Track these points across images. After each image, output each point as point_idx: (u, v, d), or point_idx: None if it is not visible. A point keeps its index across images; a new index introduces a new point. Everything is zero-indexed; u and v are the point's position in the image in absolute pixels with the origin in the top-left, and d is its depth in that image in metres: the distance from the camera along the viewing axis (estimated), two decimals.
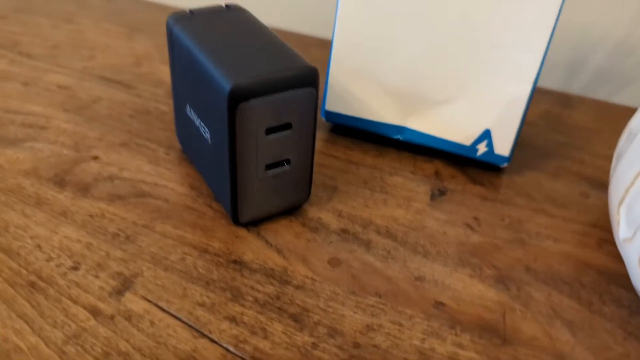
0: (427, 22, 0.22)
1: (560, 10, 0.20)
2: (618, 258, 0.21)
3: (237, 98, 0.17)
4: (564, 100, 0.30)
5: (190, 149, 0.22)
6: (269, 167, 0.19)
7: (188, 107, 0.21)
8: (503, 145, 0.23)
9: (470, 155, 0.24)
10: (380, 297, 0.18)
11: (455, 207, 0.23)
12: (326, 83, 0.25)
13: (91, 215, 0.21)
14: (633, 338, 0.18)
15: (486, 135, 0.23)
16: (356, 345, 0.17)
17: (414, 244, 0.21)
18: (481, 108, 0.23)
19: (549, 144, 0.27)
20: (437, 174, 0.24)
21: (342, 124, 0.26)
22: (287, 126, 0.19)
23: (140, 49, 0.32)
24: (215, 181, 0.21)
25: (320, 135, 0.26)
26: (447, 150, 0.24)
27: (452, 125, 0.24)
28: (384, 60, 0.23)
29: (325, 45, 0.33)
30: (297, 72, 0.18)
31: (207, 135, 0.20)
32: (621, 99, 0.33)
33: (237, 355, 0.16)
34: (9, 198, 0.21)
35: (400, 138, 0.25)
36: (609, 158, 0.26)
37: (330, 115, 0.25)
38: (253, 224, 0.21)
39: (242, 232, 0.20)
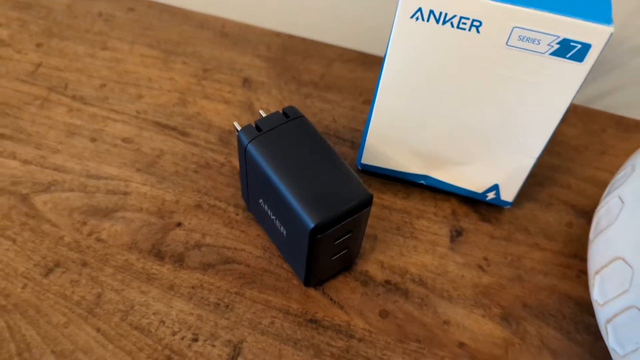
0: (451, 106, 0.26)
1: (575, 96, 0.25)
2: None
3: (317, 232, 0.22)
4: None
5: (258, 215, 0.28)
6: (335, 254, 0.25)
7: (262, 201, 0.26)
8: (508, 195, 0.29)
9: (480, 198, 0.30)
10: (419, 342, 0.26)
11: (469, 248, 0.29)
12: (363, 142, 0.29)
13: (193, 287, 0.27)
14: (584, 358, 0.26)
15: (495, 187, 0.29)
16: None
17: (440, 289, 0.27)
18: (492, 170, 0.28)
19: (543, 170, 0.32)
20: (454, 213, 0.30)
21: (374, 173, 0.31)
22: (349, 232, 0.24)
23: (180, 80, 0.35)
24: (286, 252, 0.26)
25: None
26: (463, 194, 0.30)
27: (467, 178, 0.29)
28: (414, 135, 0.28)
29: (351, 58, 0.36)
30: (361, 200, 0.23)
31: (283, 230, 0.25)
32: (603, 105, 0.37)
33: None
34: (125, 276, 0.27)
35: (424, 183, 0.30)
36: (591, 180, 0.32)
37: (364, 167, 0.30)
38: (318, 284, 0.27)
39: (311, 292, 0.27)
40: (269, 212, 0.26)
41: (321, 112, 0.34)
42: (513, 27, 0.22)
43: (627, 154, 0.34)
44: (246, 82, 0.35)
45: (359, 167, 0.31)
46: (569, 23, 0.21)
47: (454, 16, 0.22)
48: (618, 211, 0.25)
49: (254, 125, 0.25)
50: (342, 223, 0.23)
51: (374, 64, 0.37)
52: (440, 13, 0.22)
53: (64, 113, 0.33)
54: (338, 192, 0.23)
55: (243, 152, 0.25)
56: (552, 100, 0.24)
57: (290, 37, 0.38)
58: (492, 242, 0.29)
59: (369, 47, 0.38)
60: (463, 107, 0.26)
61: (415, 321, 0.26)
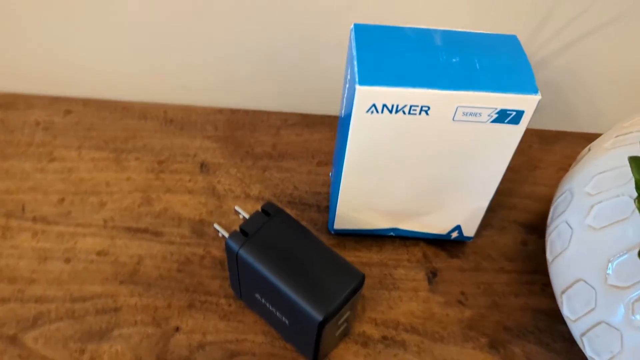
0: (410, 173, 0.28)
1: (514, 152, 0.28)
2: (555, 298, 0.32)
3: (324, 323, 0.24)
4: None
5: (253, 304, 0.29)
6: (339, 328, 0.27)
7: (259, 295, 0.27)
8: (469, 231, 0.32)
9: (446, 238, 0.33)
10: None
11: (446, 286, 0.32)
12: (333, 207, 0.31)
13: None
14: None
15: (457, 227, 0.32)
16: None
17: (431, 332, 0.30)
18: (452, 215, 0.31)
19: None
20: (425, 255, 0.33)
21: (346, 233, 0.33)
22: (348, 311, 0.26)
23: (138, 178, 0.35)
24: (289, 335, 0.28)
25: (327, 241, 0.33)
26: (428, 237, 0.33)
27: (432, 225, 0.32)
28: (380, 200, 0.30)
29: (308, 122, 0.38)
30: (356, 283, 0.25)
31: (285, 320, 0.27)
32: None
33: None
34: None
35: (393, 234, 0.33)
36: (531, 196, 0.36)
37: (337, 231, 0.32)
38: (324, 357, 0.29)
39: None
40: (267, 305, 0.27)
41: (282, 182, 0.36)
42: (457, 107, 0.25)
43: (555, 165, 0.38)
44: (203, 167, 0.36)
45: (332, 232, 0.33)
46: (504, 98, 0.24)
47: (405, 105, 0.25)
48: (569, 236, 0.28)
49: (238, 230, 0.27)
50: (344, 306, 0.25)
51: (317, 124, 0.39)
52: (393, 105, 0.25)
53: (29, 238, 0.32)
54: (334, 280, 0.25)
55: (234, 258, 0.26)
56: (497, 155, 0.27)
57: (233, 112, 0.40)
58: (464, 276, 0.32)
59: (309, 109, 0.40)
60: (420, 172, 0.28)
61: None
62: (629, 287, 0.25)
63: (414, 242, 0.34)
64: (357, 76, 0.24)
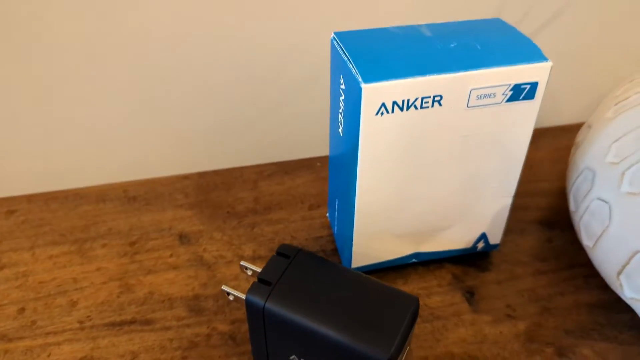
0: (427, 179, 0.26)
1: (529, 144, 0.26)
2: (604, 287, 0.29)
3: None
4: None
5: None
6: None
7: (294, 357, 0.23)
8: (495, 238, 0.29)
9: (472, 251, 0.30)
10: None
11: (488, 303, 0.28)
12: (348, 245, 0.28)
13: None
14: None
15: (482, 236, 0.29)
16: None
17: (492, 356, 0.26)
18: (475, 222, 0.28)
19: None
20: (454, 277, 0.30)
21: (366, 270, 0.29)
22: (407, 345, 0.22)
23: (110, 266, 0.30)
24: None
25: None
26: (453, 255, 0.30)
27: (455, 239, 0.29)
28: (398, 220, 0.27)
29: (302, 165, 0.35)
30: (413, 308, 0.21)
31: None
32: None
33: None
34: None
35: (415, 260, 0.29)
36: (539, 194, 0.34)
37: (356, 269, 0.29)
38: None
39: None
40: None
41: (276, 235, 0.32)
42: (471, 90, 0.23)
43: (548, 160, 0.37)
44: (183, 238, 0.32)
45: None
46: (517, 70, 0.23)
47: (417, 99, 0.22)
48: (607, 212, 0.26)
49: (257, 280, 0.22)
50: (407, 340, 0.21)
51: (295, 169, 0.36)
52: (403, 101, 0.22)
53: None
54: (386, 311, 0.21)
55: (260, 316, 0.22)
56: (515, 139, 0.25)
57: (201, 175, 0.36)
58: (503, 288, 0.29)
59: (282, 156, 0.37)
60: (437, 177, 0.26)
61: None
62: None
63: (438, 265, 0.30)
64: (359, 76, 0.22)
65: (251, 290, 0.22)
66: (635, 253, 0.25)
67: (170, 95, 0.35)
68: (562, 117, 0.42)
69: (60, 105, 0.34)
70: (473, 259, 0.30)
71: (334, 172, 0.28)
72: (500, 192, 0.27)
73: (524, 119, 0.24)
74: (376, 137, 0.23)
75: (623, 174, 0.26)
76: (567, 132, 0.39)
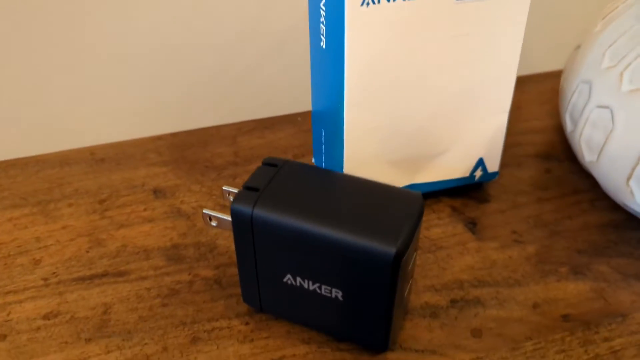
0: (418, 87, 0.24)
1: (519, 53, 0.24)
2: (612, 208, 0.27)
3: (399, 258, 0.18)
4: None
5: (282, 308, 0.22)
6: (408, 284, 0.20)
7: (288, 277, 0.20)
8: (493, 165, 0.28)
9: (470, 182, 0.28)
10: (531, 339, 0.22)
11: (494, 231, 0.26)
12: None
13: None
14: None
15: (480, 162, 0.27)
16: None
17: (504, 279, 0.24)
18: (471, 145, 0.26)
19: None
20: (453, 209, 0.28)
21: None
22: (415, 250, 0.20)
23: (78, 224, 0.27)
24: (346, 326, 0.21)
25: None
26: (451, 187, 0.28)
27: (451, 167, 0.27)
28: (389, 144, 0.25)
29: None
30: (418, 203, 0.19)
31: (338, 295, 0.20)
32: None
33: None
34: None
35: None
36: (530, 131, 0.33)
37: None
38: (393, 344, 0.22)
39: (391, 356, 0.21)
40: (306, 284, 0.20)
41: None
42: None
43: (535, 101, 0.35)
44: (158, 192, 0.29)
45: None
46: None
47: None
48: (610, 116, 0.25)
49: (244, 188, 0.20)
50: (414, 237, 0.19)
51: (275, 124, 0.34)
52: None
53: None
54: (389, 208, 0.19)
55: (248, 225, 0.19)
56: (506, 42, 0.24)
57: (174, 135, 0.33)
58: (506, 216, 0.27)
59: (261, 114, 0.35)
60: (428, 86, 0.24)
61: (509, 322, 0.22)
62: None
63: (435, 200, 0.28)
64: None
65: (237, 198, 0.19)
66: None
67: (143, 56, 0.33)
68: (546, 65, 0.41)
69: (23, 68, 0.31)
70: (471, 193, 0.29)
71: (318, 102, 0.27)
72: (494, 107, 0.26)
73: (515, 15, 0.23)
74: (362, 32, 0.21)
75: (621, 74, 0.25)
76: (552, 78, 0.38)
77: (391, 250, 0.17)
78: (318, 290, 0.20)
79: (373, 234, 0.18)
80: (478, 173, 0.28)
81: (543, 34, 0.40)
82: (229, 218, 0.21)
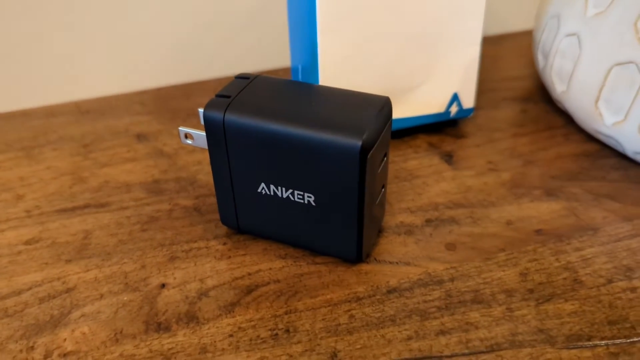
0: (390, 21, 0.25)
1: None
2: (585, 141, 0.28)
3: (366, 151, 0.18)
4: None
5: (260, 225, 0.22)
6: (379, 192, 0.21)
7: (262, 186, 0.20)
8: (468, 100, 0.28)
9: (446, 118, 0.28)
10: (504, 250, 0.22)
11: (469, 161, 0.27)
12: None
13: (231, 335, 0.19)
14: (635, 188, 0.25)
15: (455, 97, 0.28)
16: (542, 283, 0.20)
17: (479, 201, 0.24)
18: (446, 79, 0.27)
19: None
20: (430, 144, 0.28)
21: None
22: (384, 156, 0.20)
23: (62, 165, 0.28)
24: (319, 237, 0.21)
25: None
26: (428, 122, 0.28)
27: (427, 101, 0.27)
28: (363, 73, 0.25)
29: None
30: (385, 103, 0.19)
31: (310, 200, 0.20)
32: None
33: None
34: None
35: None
36: (508, 78, 0.33)
37: None
38: (367, 256, 0.22)
39: (365, 267, 0.21)
40: (279, 191, 0.20)
41: None
42: None
43: (512, 53, 0.36)
44: (141, 137, 0.30)
45: None
46: None
47: None
48: (577, 41, 0.25)
49: (217, 96, 0.20)
50: (381, 135, 0.19)
51: None
52: None
53: None
54: (356, 109, 0.19)
55: (221, 132, 0.20)
56: None
57: (159, 89, 0.34)
58: (482, 149, 0.28)
59: (241, 69, 0.36)
60: (399, 15, 0.25)
61: (483, 237, 0.23)
62: None
63: (412, 137, 0.29)
64: None
65: (209, 105, 0.20)
66: (610, 69, 0.24)
67: (128, 14, 0.34)
68: (525, 24, 0.41)
69: (16, 26, 0.32)
70: (448, 130, 0.29)
71: (294, 39, 0.27)
72: (465, 39, 0.26)
73: None
74: None
75: (586, 1, 0.25)
76: (523, 37, 0.38)
77: (357, 143, 0.18)
78: (291, 197, 0.20)
79: (340, 130, 0.18)
80: (453, 109, 0.28)
81: None
82: (203, 134, 0.21)
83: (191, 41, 0.35)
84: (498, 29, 0.40)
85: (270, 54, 0.36)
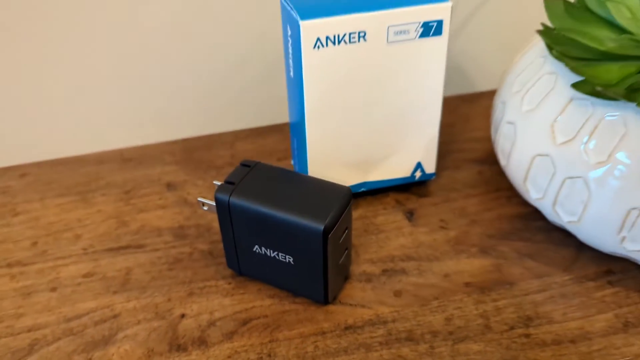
0: (364, 109, 0.31)
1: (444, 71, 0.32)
2: (523, 204, 0.34)
3: (327, 233, 0.25)
4: None
5: (255, 271, 0.29)
6: (341, 254, 0.28)
7: (256, 247, 0.28)
8: (430, 167, 0.35)
9: (412, 181, 0.35)
10: (438, 298, 0.29)
11: (426, 219, 0.34)
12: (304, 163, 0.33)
13: (229, 357, 0.27)
14: (551, 249, 0.31)
15: (418, 165, 0.35)
16: (461, 327, 0.27)
17: (427, 255, 0.31)
18: (411, 152, 0.34)
19: (440, 145, 0.39)
20: (397, 202, 0.35)
21: None
22: (346, 228, 0.27)
23: (109, 209, 0.36)
24: (296, 284, 0.28)
25: None
26: (396, 184, 0.35)
27: (396, 168, 0.34)
28: (344, 150, 0.33)
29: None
30: (345, 194, 0.27)
31: (289, 260, 0.27)
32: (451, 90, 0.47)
33: None
34: None
35: (365, 189, 0.35)
36: (473, 140, 0.40)
37: None
38: (334, 299, 0.29)
39: (332, 308, 0.29)
40: (268, 252, 0.28)
41: None
42: (388, 27, 0.29)
43: (483, 114, 0.42)
44: (170, 186, 0.37)
45: None
46: (424, 9, 0.29)
47: (345, 34, 0.28)
48: (513, 131, 0.32)
49: (225, 182, 0.28)
50: (341, 218, 0.26)
51: (267, 132, 0.42)
52: (335, 36, 0.28)
53: (8, 282, 0.31)
54: (325, 196, 0.27)
55: (227, 211, 0.27)
56: (432, 71, 0.31)
57: (185, 140, 0.42)
58: (438, 208, 0.35)
59: (255, 122, 0.43)
60: (372, 107, 0.31)
61: (423, 286, 0.30)
62: (574, 137, 0.28)
63: (384, 194, 0.36)
64: (297, 16, 0.28)
65: (218, 189, 0.27)
66: (534, 158, 0.30)
67: (159, 76, 0.41)
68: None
69: (66, 84, 0.40)
70: (414, 189, 0.36)
71: (291, 115, 0.34)
72: (426, 122, 0.33)
73: (436, 53, 0.30)
74: (317, 70, 0.29)
75: (522, 98, 0.31)
76: None
77: (320, 227, 0.25)
78: (277, 257, 0.28)
79: (310, 216, 0.26)
80: (418, 174, 0.35)
81: (500, 57, 0.46)
82: (214, 203, 0.28)
83: (213, 100, 0.42)
84: (475, 87, 0.46)
85: (277, 111, 0.43)
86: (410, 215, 0.34)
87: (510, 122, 0.32)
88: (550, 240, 0.32)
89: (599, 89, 0.26)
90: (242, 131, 0.42)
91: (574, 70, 0.27)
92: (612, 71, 0.26)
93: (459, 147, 0.39)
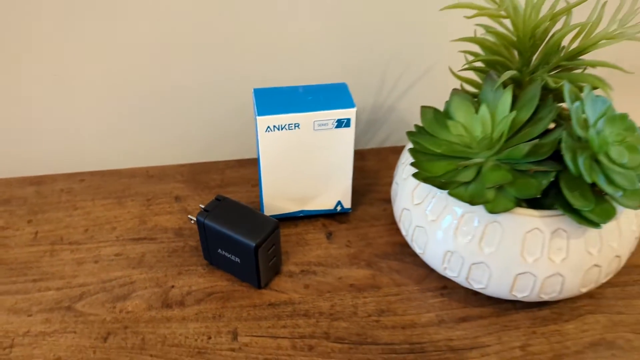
0: (301, 164, 0.48)
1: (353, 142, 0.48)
2: (400, 234, 0.51)
3: (258, 247, 0.43)
4: (361, 155, 0.60)
5: (219, 263, 0.47)
6: (270, 259, 0.45)
7: (220, 249, 0.46)
8: (347, 203, 0.52)
9: (334, 211, 0.52)
10: (330, 292, 0.46)
11: (339, 239, 0.51)
12: (263, 205, 0.51)
13: (196, 314, 0.45)
14: (413, 269, 0.48)
15: (339, 202, 0.52)
16: (331, 314, 0.44)
17: (331, 264, 0.48)
18: (333, 194, 0.51)
19: (361, 187, 0.56)
20: (323, 225, 0.52)
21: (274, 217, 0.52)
22: (273, 244, 0.45)
23: (135, 211, 0.54)
24: (242, 274, 0.46)
25: None
26: (325, 213, 0.52)
27: (324, 202, 0.51)
28: (288, 192, 0.50)
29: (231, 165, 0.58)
30: (273, 224, 0.44)
31: (237, 260, 0.45)
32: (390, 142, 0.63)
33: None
34: (153, 324, 0.44)
35: (302, 215, 0.52)
36: (389, 184, 0.56)
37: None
38: (266, 285, 0.47)
39: (264, 291, 0.46)
40: (225, 254, 0.45)
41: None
42: (314, 121, 0.45)
43: (393, 166, 0.59)
44: (177, 199, 0.55)
45: None
46: (337, 112, 0.45)
47: (286, 124, 0.45)
48: (425, 233, 0.48)
49: (202, 209, 0.45)
50: (268, 239, 0.44)
51: (248, 163, 0.59)
52: (280, 125, 0.45)
53: (69, 254, 0.50)
54: (261, 224, 0.44)
55: (203, 227, 0.45)
56: (345, 147, 0.48)
57: (192, 165, 0.59)
58: (349, 232, 0.51)
59: (240, 155, 0.60)
60: (305, 167, 0.48)
61: (323, 284, 0.47)
62: (420, 203, 0.45)
63: (315, 218, 0.53)
64: (257, 113, 0.45)
65: (199, 214, 0.45)
66: (446, 253, 0.46)
67: (177, 115, 0.59)
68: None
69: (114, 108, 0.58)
70: (337, 217, 0.53)
71: (258, 166, 0.51)
72: (342, 176, 0.50)
73: (346, 137, 0.47)
74: (268, 146, 0.46)
75: (425, 210, 0.48)
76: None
77: (252, 244, 0.42)
78: (231, 257, 0.45)
79: (250, 236, 0.43)
80: (339, 207, 0.52)
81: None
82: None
83: (211, 136, 0.60)
84: (401, 142, 0.62)
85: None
86: (329, 235, 0.51)
87: (420, 227, 0.48)
88: (414, 262, 0.49)
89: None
90: (230, 161, 0.60)
91: (415, 165, 0.44)
92: (439, 167, 0.42)
93: (377, 188, 0.56)
